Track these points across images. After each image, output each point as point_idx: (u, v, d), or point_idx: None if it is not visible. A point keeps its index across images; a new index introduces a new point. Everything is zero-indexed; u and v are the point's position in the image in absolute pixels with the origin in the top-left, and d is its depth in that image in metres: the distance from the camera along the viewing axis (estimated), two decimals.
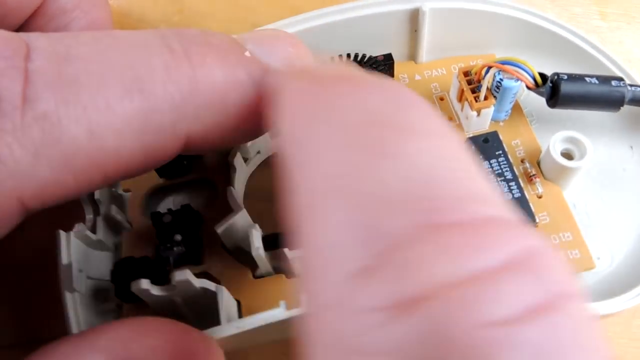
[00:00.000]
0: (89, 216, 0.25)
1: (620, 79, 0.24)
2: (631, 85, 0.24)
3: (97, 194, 0.25)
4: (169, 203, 0.26)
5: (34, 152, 0.13)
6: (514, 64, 0.23)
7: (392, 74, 0.26)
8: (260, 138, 0.26)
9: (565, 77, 0.23)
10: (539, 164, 0.24)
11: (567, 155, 0.23)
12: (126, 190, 0.26)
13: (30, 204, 0.14)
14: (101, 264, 0.24)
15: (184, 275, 0.20)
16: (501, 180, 0.23)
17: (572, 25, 0.25)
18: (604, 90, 0.23)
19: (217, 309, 0.20)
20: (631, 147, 0.25)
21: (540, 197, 0.23)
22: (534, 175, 0.24)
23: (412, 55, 0.28)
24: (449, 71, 0.27)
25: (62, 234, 0.23)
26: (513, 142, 0.25)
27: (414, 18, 0.26)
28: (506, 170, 0.23)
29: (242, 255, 0.24)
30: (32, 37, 0.14)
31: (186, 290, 0.21)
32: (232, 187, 0.24)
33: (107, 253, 0.25)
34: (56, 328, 0.25)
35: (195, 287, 0.20)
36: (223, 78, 0.16)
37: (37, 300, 0.26)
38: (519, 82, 0.23)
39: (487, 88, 0.24)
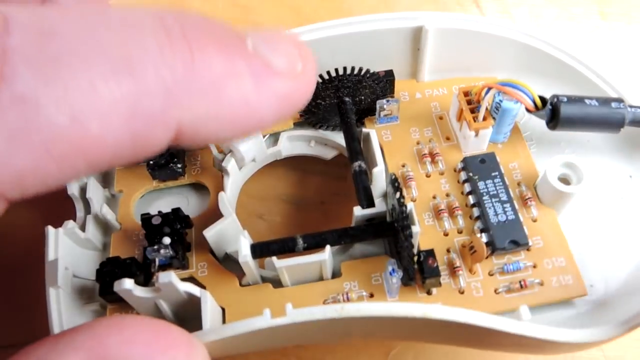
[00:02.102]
0: (80, 214, 0.25)
1: (620, 101, 0.24)
2: (631, 107, 0.24)
3: (89, 193, 0.25)
4: (161, 206, 0.26)
5: (9, 138, 0.12)
6: (514, 85, 0.23)
7: (392, 90, 0.26)
8: (256, 146, 0.26)
9: (565, 99, 0.23)
10: (535, 188, 0.24)
11: (564, 181, 0.23)
12: (119, 191, 0.26)
13: (9, 193, 0.13)
14: (88, 264, 0.24)
15: (168, 278, 0.19)
16: (496, 202, 0.23)
17: (572, 27, 0.25)
18: (604, 112, 0.23)
19: (200, 314, 0.20)
20: (630, 177, 0.25)
21: (535, 220, 0.23)
22: (529, 198, 0.23)
23: (414, 74, 0.28)
24: (450, 91, 0.27)
25: (51, 230, 0.23)
26: (510, 164, 0.25)
27: (417, 36, 0.26)
28: (501, 192, 0.23)
29: (229, 262, 0.24)
30: (13, 10, 0.13)
31: (170, 294, 0.20)
32: (223, 193, 0.23)
33: (94, 253, 0.25)
34: None
35: (179, 290, 0.20)
36: (221, 67, 0.15)
37: (35, 301, 0.26)
38: (519, 104, 0.23)
39: (487, 109, 0.24)
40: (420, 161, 0.25)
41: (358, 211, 0.22)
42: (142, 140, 0.14)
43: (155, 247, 0.22)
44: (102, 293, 0.22)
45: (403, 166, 0.25)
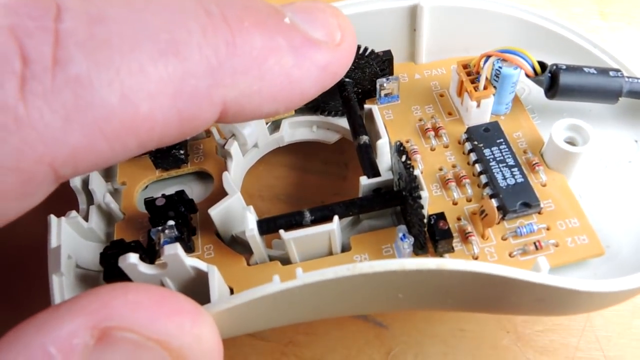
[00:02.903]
0: (82, 206, 0.25)
1: (618, 70, 0.24)
2: (629, 77, 0.24)
3: (91, 185, 0.24)
4: None
5: (65, 116, 0.13)
6: (513, 52, 0.23)
7: (391, 70, 0.26)
8: (259, 130, 0.26)
9: (564, 67, 0.23)
10: (542, 155, 0.24)
11: (570, 143, 0.23)
12: (122, 184, 0.26)
13: (62, 171, 0.13)
14: (91, 255, 0.24)
15: (174, 249, 0.19)
16: (503, 167, 0.22)
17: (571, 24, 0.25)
18: (602, 80, 0.23)
19: (208, 293, 0.19)
20: (636, 141, 0.25)
21: (544, 185, 0.23)
22: (536, 163, 0.23)
23: (412, 57, 0.28)
24: (449, 71, 0.27)
25: (53, 218, 0.22)
26: (514, 134, 0.24)
27: (413, 15, 0.26)
28: (508, 157, 0.23)
29: (236, 244, 0.23)
30: None
31: (176, 269, 0.20)
32: (227, 173, 0.23)
33: (98, 244, 0.24)
34: None
35: (185, 265, 0.20)
36: (262, 44, 0.15)
37: (35, 301, 0.25)
38: (518, 69, 0.23)
39: (486, 77, 0.24)
40: (424, 136, 0.25)
41: (365, 180, 0.22)
42: (189, 118, 0.15)
43: (160, 227, 0.22)
44: (106, 277, 0.21)
45: (407, 142, 0.25)
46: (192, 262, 0.20)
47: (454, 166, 0.24)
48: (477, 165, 0.23)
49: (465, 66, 0.25)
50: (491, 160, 0.23)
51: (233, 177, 0.24)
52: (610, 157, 0.24)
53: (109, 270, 0.21)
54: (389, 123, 0.26)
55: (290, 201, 0.28)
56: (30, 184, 0.13)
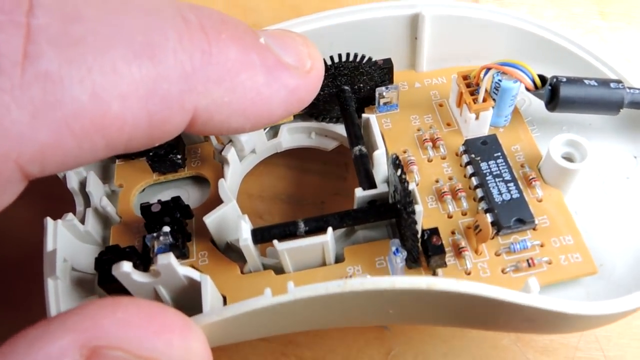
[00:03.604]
0: (79, 208, 0.25)
1: (619, 82, 0.23)
2: (630, 88, 0.23)
3: (89, 187, 0.24)
4: (162, 199, 0.26)
5: (33, 113, 0.12)
6: (513, 65, 0.23)
7: (391, 78, 0.26)
8: (257, 136, 0.26)
9: (564, 79, 0.23)
10: (539, 169, 0.23)
11: (568, 159, 0.23)
12: (119, 186, 0.26)
13: (29, 168, 0.13)
14: (87, 258, 0.24)
15: (167, 259, 0.19)
16: (499, 181, 0.22)
17: (572, 27, 0.25)
18: (603, 92, 0.23)
19: (201, 301, 0.20)
20: (635, 157, 0.25)
21: (540, 200, 0.23)
22: (533, 178, 0.23)
23: (412, 64, 0.28)
24: (449, 80, 0.27)
25: (50, 221, 0.23)
26: (512, 147, 0.24)
27: (414, 24, 0.26)
28: (504, 171, 0.23)
29: (230, 251, 0.24)
30: None
31: (170, 278, 0.20)
32: (223, 180, 0.23)
33: (94, 247, 0.24)
34: None
35: (178, 274, 0.20)
36: (236, 57, 0.16)
37: (35, 301, 0.26)
38: (518, 83, 0.23)
39: (486, 90, 0.24)
40: (422, 146, 0.25)
41: (360, 192, 0.22)
42: (160, 121, 0.15)
43: (155, 234, 0.22)
44: (101, 282, 0.21)
45: (404, 152, 0.25)
46: (185, 271, 0.20)
47: (450, 178, 0.24)
48: (473, 179, 0.23)
49: (465, 77, 0.25)
50: (488, 174, 0.23)
51: (229, 183, 0.24)
52: (608, 173, 0.24)
53: (104, 276, 0.21)
54: (387, 132, 0.26)
55: (290, 201, 0.28)
56: None
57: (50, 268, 0.22)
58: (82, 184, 0.25)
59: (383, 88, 0.25)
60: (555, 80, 0.23)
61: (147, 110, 0.14)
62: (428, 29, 0.26)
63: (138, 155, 0.26)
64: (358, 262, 0.22)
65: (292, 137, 0.27)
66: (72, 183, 0.25)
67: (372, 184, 0.22)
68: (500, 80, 0.23)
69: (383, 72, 0.26)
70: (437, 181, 0.24)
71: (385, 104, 0.26)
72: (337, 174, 0.28)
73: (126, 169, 0.26)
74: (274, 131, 0.27)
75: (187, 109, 0.15)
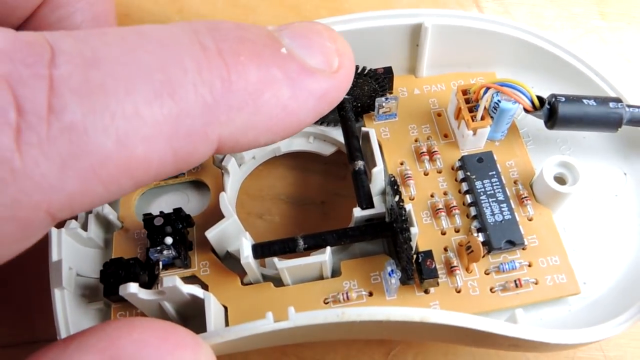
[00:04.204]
0: (81, 214, 0.25)
1: (618, 100, 0.24)
2: (630, 106, 0.24)
3: None
4: (162, 203, 0.26)
5: (61, 164, 0.13)
6: (513, 86, 0.23)
7: (391, 87, 0.26)
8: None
9: (563, 99, 0.23)
10: (531, 186, 0.24)
11: (560, 180, 0.23)
12: None
13: (59, 215, 0.14)
14: (91, 262, 0.24)
15: (173, 282, 0.20)
16: (493, 201, 0.23)
17: (572, 27, 0.25)
18: (602, 112, 0.23)
19: (203, 311, 0.21)
20: (625, 174, 0.26)
21: (530, 219, 0.23)
22: (525, 197, 0.24)
23: (413, 69, 0.28)
24: (449, 87, 0.27)
25: (54, 231, 0.23)
26: (507, 162, 0.25)
27: (416, 33, 0.26)
28: (498, 192, 0.23)
29: (231, 260, 0.24)
30: (57, 38, 0.13)
31: (174, 296, 0.21)
32: (224, 193, 0.24)
33: (97, 250, 0.25)
34: (53, 329, 0.25)
35: (183, 293, 0.21)
36: (257, 78, 0.15)
37: (35, 300, 0.26)
38: (517, 104, 0.23)
39: (485, 108, 0.24)
40: (419, 159, 0.25)
41: (358, 212, 0.22)
42: (185, 155, 0.15)
43: (158, 247, 0.22)
44: (106, 294, 0.22)
45: (401, 164, 0.25)
46: (189, 289, 0.21)
47: (445, 193, 0.24)
48: (467, 196, 0.24)
49: (464, 92, 0.25)
50: (482, 193, 0.23)
51: (229, 193, 0.25)
52: (598, 189, 0.25)
53: (108, 288, 0.22)
54: (385, 142, 0.26)
55: (290, 201, 0.28)
56: (27, 229, 0.13)
57: (57, 278, 0.22)
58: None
59: (383, 99, 0.25)
60: (553, 99, 0.23)
61: (172, 147, 0.14)
62: (430, 38, 0.26)
63: None
64: (354, 277, 0.23)
65: (290, 141, 0.27)
66: None
67: (369, 204, 0.23)
68: (499, 101, 0.23)
69: (383, 81, 0.26)
70: (432, 196, 0.24)
71: (384, 113, 0.26)
72: (337, 174, 0.28)
73: None
74: None
75: (212, 139, 0.15)
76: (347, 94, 0.25)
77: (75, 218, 0.25)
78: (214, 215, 0.24)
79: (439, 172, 0.25)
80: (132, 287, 0.20)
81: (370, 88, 0.26)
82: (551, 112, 0.24)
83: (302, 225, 0.27)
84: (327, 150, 0.27)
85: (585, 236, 0.24)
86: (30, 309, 0.27)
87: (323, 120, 0.27)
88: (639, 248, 0.24)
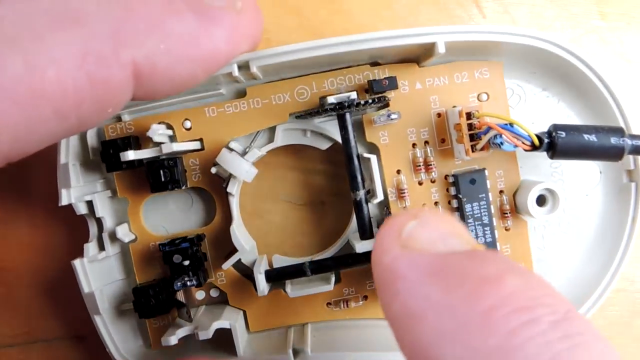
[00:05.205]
0: (93, 230, 0.26)
1: (621, 132, 0.24)
2: (632, 137, 0.24)
3: (99, 212, 0.26)
4: (167, 208, 0.27)
5: None
6: (514, 130, 0.23)
7: (395, 84, 0.25)
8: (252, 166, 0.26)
9: (563, 134, 0.23)
10: (514, 196, 0.26)
11: (542, 198, 0.26)
12: (123, 197, 0.26)
13: None
14: (112, 270, 0.27)
15: (207, 335, 0.24)
16: (478, 225, 0.26)
17: (572, 27, 0.25)
18: (603, 145, 0.23)
19: (232, 342, 0.25)
20: (601, 172, 0.28)
21: (507, 229, 0.27)
22: (507, 212, 0.26)
23: (417, 58, 0.26)
24: (451, 80, 0.26)
25: (78, 263, 0.25)
26: (497, 171, 0.26)
27: (429, 51, 0.24)
28: (484, 215, 0.26)
29: (246, 273, 0.27)
30: None
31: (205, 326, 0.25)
32: (234, 227, 0.25)
33: (116, 263, 0.27)
34: (55, 329, 0.28)
35: (213, 330, 0.24)
36: (159, 6, 0.16)
37: (35, 301, 0.29)
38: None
39: (486, 142, 0.24)
40: (415, 171, 0.26)
41: (359, 247, 0.25)
42: (102, 82, 0.16)
43: (179, 280, 0.25)
44: (141, 315, 0.26)
45: (398, 173, 0.26)
46: (218, 324, 0.25)
47: (436, 203, 0.27)
48: (456, 213, 0.26)
49: (468, 116, 0.24)
50: (470, 217, 0.26)
51: (237, 217, 0.26)
52: (572, 188, 0.28)
53: (142, 312, 0.25)
54: (384, 147, 0.26)
55: (290, 201, 0.29)
56: None
57: (94, 307, 0.25)
58: (91, 209, 0.26)
59: (385, 116, 0.25)
60: (554, 134, 0.24)
61: (85, 71, 0.15)
62: (441, 52, 0.24)
63: (130, 166, 0.25)
64: (353, 285, 0.27)
65: (288, 137, 0.27)
66: (80, 209, 0.25)
67: (370, 235, 0.25)
68: (501, 143, 0.24)
69: (383, 102, 0.25)
70: (423, 205, 0.27)
71: (384, 114, 0.25)
72: (337, 174, 0.28)
73: (125, 180, 0.26)
74: (270, 133, 0.27)
75: (125, 62, 0.16)
76: (349, 114, 0.25)
77: (86, 233, 0.26)
78: (222, 222, 0.26)
79: (433, 181, 0.26)
80: (173, 339, 0.24)
81: (371, 109, 0.25)
82: (551, 145, 0.24)
83: (303, 225, 0.28)
84: (323, 144, 0.27)
85: (551, 237, 0.28)
86: (30, 309, 0.29)
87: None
88: (586, 252, 0.28)
